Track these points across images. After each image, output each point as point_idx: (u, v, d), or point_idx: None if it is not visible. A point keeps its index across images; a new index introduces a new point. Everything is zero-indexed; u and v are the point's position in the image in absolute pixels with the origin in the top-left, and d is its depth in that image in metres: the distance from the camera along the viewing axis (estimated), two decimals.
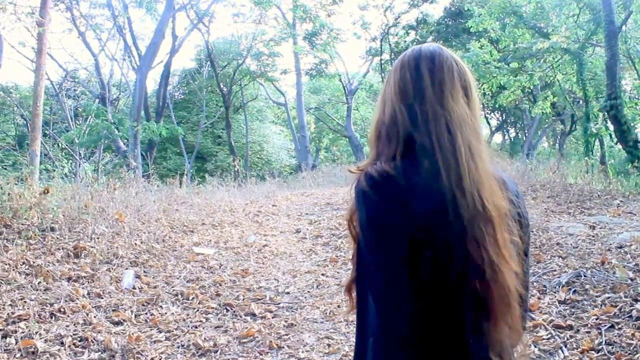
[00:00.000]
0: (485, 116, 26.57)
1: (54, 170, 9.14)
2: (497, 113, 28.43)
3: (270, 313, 4.40)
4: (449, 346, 1.03)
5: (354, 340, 1.22)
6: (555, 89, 17.62)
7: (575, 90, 16.57)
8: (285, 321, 4.18)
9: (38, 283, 4.48)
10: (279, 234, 7.59)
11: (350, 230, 1.19)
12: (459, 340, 1.02)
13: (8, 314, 3.83)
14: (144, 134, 16.16)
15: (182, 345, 3.71)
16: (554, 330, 3.47)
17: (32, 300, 4.14)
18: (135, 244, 5.88)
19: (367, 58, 28.18)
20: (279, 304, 4.65)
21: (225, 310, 4.45)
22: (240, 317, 4.30)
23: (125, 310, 4.21)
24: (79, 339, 3.63)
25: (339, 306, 4.43)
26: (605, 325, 3.39)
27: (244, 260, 6.08)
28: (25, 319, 3.77)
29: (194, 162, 23.61)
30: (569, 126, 25.34)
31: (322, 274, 5.49)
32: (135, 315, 4.17)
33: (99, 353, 3.49)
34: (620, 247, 5.10)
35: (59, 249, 5.30)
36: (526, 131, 27.17)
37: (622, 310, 3.56)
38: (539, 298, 4.07)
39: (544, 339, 3.39)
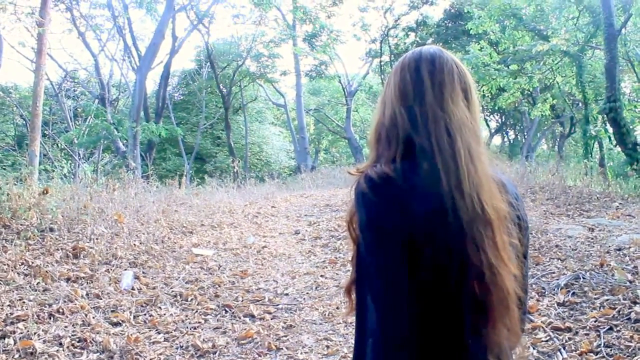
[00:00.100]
0: (485, 118, 26.60)
1: (53, 171, 9.15)
2: (497, 115, 28.46)
3: (269, 314, 4.40)
4: (448, 347, 1.03)
5: (353, 341, 1.22)
6: (555, 91, 17.64)
7: (574, 92, 16.59)
8: (284, 322, 4.18)
9: (37, 284, 4.47)
10: (278, 236, 7.59)
11: (350, 232, 1.20)
12: (458, 341, 1.02)
13: (7, 314, 3.83)
14: (144, 134, 16.16)
15: (181, 347, 3.71)
16: (552, 332, 3.47)
17: (31, 300, 4.14)
18: (134, 244, 5.88)
19: (366, 60, 28.24)
20: (277, 305, 4.65)
21: (224, 311, 4.44)
22: (239, 318, 4.30)
23: (124, 311, 4.21)
24: (77, 339, 3.63)
25: (337, 308, 4.43)
26: (604, 328, 3.40)
27: (243, 261, 6.08)
28: (23, 320, 3.77)
29: (193, 163, 23.60)
30: (568, 128, 25.36)
31: (321, 276, 5.49)
32: (134, 316, 4.16)
33: (98, 354, 3.49)
34: (619, 250, 5.10)
35: (57, 249, 5.30)
36: (525, 133, 27.22)
37: (620, 312, 3.56)
38: (537, 300, 4.08)
39: (542, 341, 3.39)
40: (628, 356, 3.03)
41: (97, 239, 5.70)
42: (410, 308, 1.01)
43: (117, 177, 8.23)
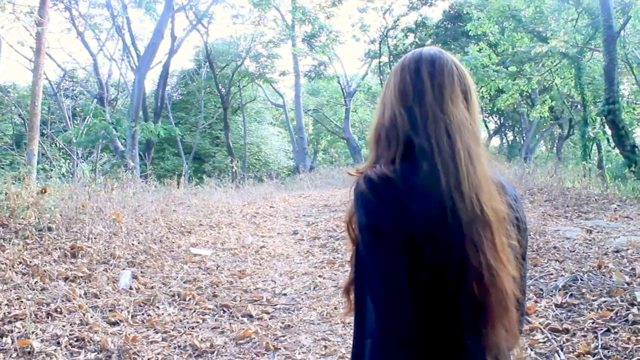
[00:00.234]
0: (484, 119, 26.61)
1: (52, 170, 9.12)
2: (495, 116, 28.49)
3: (267, 314, 4.40)
4: (447, 347, 1.03)
5: (351, 342, 1.22)
6: (554, 93, 17.67)
7: (573, 94, 16.62)
8: (282, 323, 4.18)
9: (35, 283, 4.47)
10: (277, 236, 7.59)
11: (349, 233, 1.20)
12: (456, 342, 1.03)
13: (4, 313, 3.82)
14: (142, 134, 16.14)
15: (179, 346, 3.71)
16: (550, 333, 3.48)
17: (29, 300, 4.13)
18: (133, 244, 5.87)
19: (365, 60, 28.28)
20: (275, 305, 4.65)
21: (222, 311, 4.44)
22: (237, 318, 4.30)
23: (122, 310, 4.20)
24: (75, 339, 3.62)
25: (335, 308, 4.43)
26: (602, 329, 3.40)
27: (241, 261, 6.08)
28: (21, 319, 3.77)
29: (191, 163, 23.58)
30: (567, 130, 25.42)
31: (319, 276, 5.49)
32: (132, 316, 4.16)
33: (96, 353, 3.48)
34: (617, 252, 5.11)
35: (56, 248, 5.29)
36: (524, 135, 27.25)
37: (618, 314, 3.56)
38: (535, 301, 4.08)
39: (540, 342, 3.39)
40: (625, 358, 3.04)
41: (95, 238, 5.69)
42: (409, 308, 1.01)
43: (115, 177, 8.23)
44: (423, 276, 1.01)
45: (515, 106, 20.68)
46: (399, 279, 1.02)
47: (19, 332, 3.58)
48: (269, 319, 4.28)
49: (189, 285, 5.04)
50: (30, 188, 6.35)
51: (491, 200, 1.04)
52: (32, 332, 3.60)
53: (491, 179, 1.09)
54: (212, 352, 3.63)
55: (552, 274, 4.62)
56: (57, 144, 17.94)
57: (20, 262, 4.79)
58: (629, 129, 11.80)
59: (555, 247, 5.53)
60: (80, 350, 3.49)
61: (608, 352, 3.13)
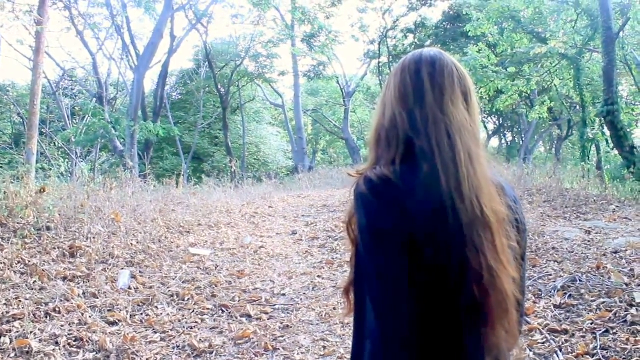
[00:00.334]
0: (483, 120, 26.61)
1: (51, 169, 9.12)
2: (494, 117, 28.51)
3: (266, 315, 4.40)
4: (447, 348, 1.03)
5: (350, 342, 1.22)
6: (553, 94, 17.68)
7: (572, 95, 16.64)
8: (281, 323, 4.18)
9: (33, 282, 4.47)
10: (275, 236, 7.59)
11: (349, 234, 1.20)
12: (456, 342, 1.03)
13: (3, 313, 3.82)
14: (141, 133, 16.12)
15: (178, 346, 3.70)
16: (549, 334, 3.48)
17: (27, 299, 4.13)
18: (131, 244, 5.87)
19: (365, 61, 28.30)
20: (274, 305, 4.65)
21: (220, 311, 4.44)
22: (236, 318, 4.30)
23: (120, 310, 4.20)
24: (74, 339, 3.62)
25: (334, 308, 4.43)
26: (600, 330, 3.41)
27: (240, 261, 6.07)
28: (20, 319, 3.76)
29: (190, 163, 23.57)
30: (566, 131, 25.44)
31: (318, 276, 5.49)
32: (131, 316, 4.16)
33: (94, 353, 3.48)
34: (616, 253, 5.11)
35: (54, 248, 5.29)
36: (523, 136, 27.29)
37: (617, 315, 3.57)
38: (534, 302, 4.08)
39: (539, 343, 3.40)
40: (624, 359, 3.04)
41: (94, 238, 5.69)
42: (409, 308, 1.02)
43: (114, 176, 8.22)
44: (423, 276, 1.01)
45: (514, 107, 20.71)
46: (398, 280, 1.02)
47: (18, 332, 3.57)
48: (268, 319, 4.28)
49: (188, 285, 5.04)
50: (29, 187, 6.34)
51: (491, 201, 1.05)
52: (31, 332, 3.59)
53: (491, 180, 1.09)
54: (211, 352, 3.63)
55: (550, 275, 4.63)
56: (56, 143, 17.90)
57: (18, 262, 4.78)
58: (628, 130, 11.80)
59: (554, 248, 5.53)
60: (78, 350, 3.49)
61: (607, 352, 3.13)
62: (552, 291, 4.21)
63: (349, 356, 1.48)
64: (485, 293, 1.01)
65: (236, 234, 7.38)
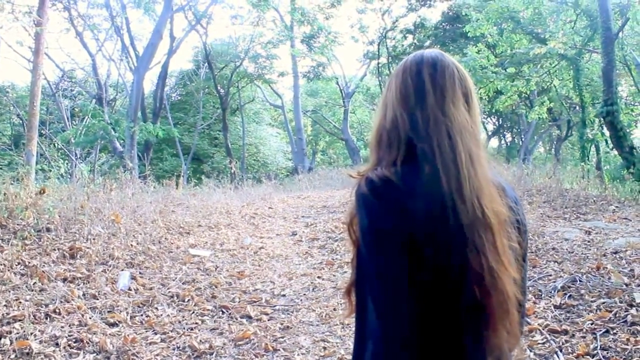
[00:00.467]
0: (482, 121, 26.62)
1: (50, 171, 9.12)
2: (494, 118, 28.53)
3: (266, 315, 4.40)
4: (448, 348, 1.04)
5: (350, 343, 1.23)
6: (552, 94, 17.69)
7: (571, 96, 16.65)
8: (281, 324, 4.18)
9: (33, 284, 4.46)
10: (275, 237, 7.59)
11: (350, 234, 1.20)
12: (457, 343, 1.03)
13: (3, 314, 3.81)
14: (141, 134, 16.13)
15: (178, 347, 3.70)
16: (549, 334, 3.48)
17: (27, 301, 4.12)
18: (131, 245, 5.87)
19: (364, 61, 28.30)
20: (274, 306, 4.65)
21: (221, 312, 4.44)
22: (236, 319, 4.29)
23: (120, 311, 4.20)
24: (74, 340, 3.62)
25: (334, 309, 4.43)
26: (600, 330, 3.41)
27: (239, 262, 6.07)
28: (20, 320, 3.76)
29: (190, 164, 23.56)
30: (565, 132, 25.45)
31: (318, 277, 5.49)
32: (131, 317, 4.16)
33: (94, 354, 3.48)
34: (616, 253, 5.11)
35: (54, 249, 5.28)
36: (522, 136, 27.30)
37: (617, 315, 3.57)
38: (534, 302, 4.09)
39: (539, 343, 3.40)
40: (624, 359, 3.04)
41: (94, 239, 5.68)
42: (410, 308, 1.02)
43: (114, 178, 8.22)
44: (423, 276, 1.01)
45: (513, 107, 20.72)
46: (398, 279, 1.03)
47: (18, 333, 3.57)
48: (268, 320, 4.28)
49: (188, 286, 5.04)
50: (28, 189, 6.34)
51: (492, 202, 1.05)
52: (31, 333, 3.59)
53: (492, 181, 1.10)
54: (211, 353, 3.63)
55: (551, 275, 4.63)
56: (56, 145, 17.89)
57: (18, 263, 4.78)
58: (628, 131, 11.81)
59: (554, 249, 5.53)
60: (79, 352, 3.49)
61: (607, 353, 3.13)
62: (552, 291, 4.21)
63: (349, 357, 1.48)
64: (486, 294, 1.01)
65: (236, 235, 7.38)
